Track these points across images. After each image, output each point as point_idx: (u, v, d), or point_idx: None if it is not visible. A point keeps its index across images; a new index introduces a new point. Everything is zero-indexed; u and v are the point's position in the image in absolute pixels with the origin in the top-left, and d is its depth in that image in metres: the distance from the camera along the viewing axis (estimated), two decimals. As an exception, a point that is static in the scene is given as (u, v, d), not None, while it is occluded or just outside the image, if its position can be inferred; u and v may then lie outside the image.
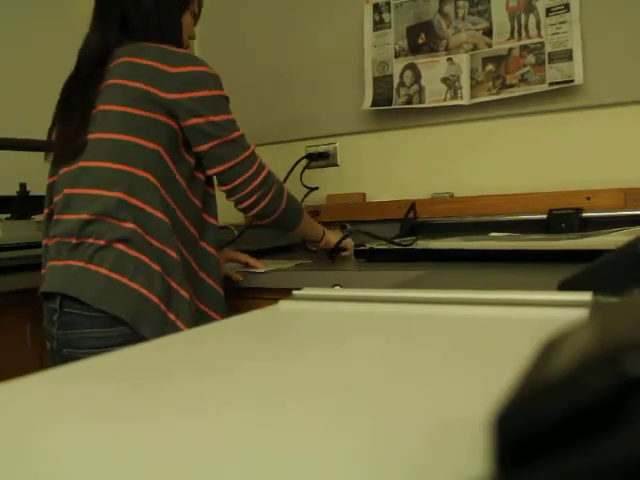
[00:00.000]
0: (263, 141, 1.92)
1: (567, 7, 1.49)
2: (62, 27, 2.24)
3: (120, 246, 1.06)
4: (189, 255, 1.16)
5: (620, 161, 1.48)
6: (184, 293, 1.10)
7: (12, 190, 1.56)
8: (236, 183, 1.18)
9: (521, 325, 0.42)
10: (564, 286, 0.53)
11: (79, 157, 1.11)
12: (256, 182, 1.19)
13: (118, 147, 1.09)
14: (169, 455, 0.23)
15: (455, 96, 1.63)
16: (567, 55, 1.49)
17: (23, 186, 1.57)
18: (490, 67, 1.59)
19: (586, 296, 0.46)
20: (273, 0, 1.92)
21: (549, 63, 1.51)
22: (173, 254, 1.10)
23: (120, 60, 1.14)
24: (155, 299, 1.06)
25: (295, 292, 0.58)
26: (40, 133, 1.63)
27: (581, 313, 0.38)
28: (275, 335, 0.46)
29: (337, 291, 0.58)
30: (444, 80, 1.64)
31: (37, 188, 1.61)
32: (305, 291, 0.58)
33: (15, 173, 1.60)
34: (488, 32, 1.59)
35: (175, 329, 1.06)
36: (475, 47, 1.61)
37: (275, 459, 0.22)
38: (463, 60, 1.62)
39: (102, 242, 1.06)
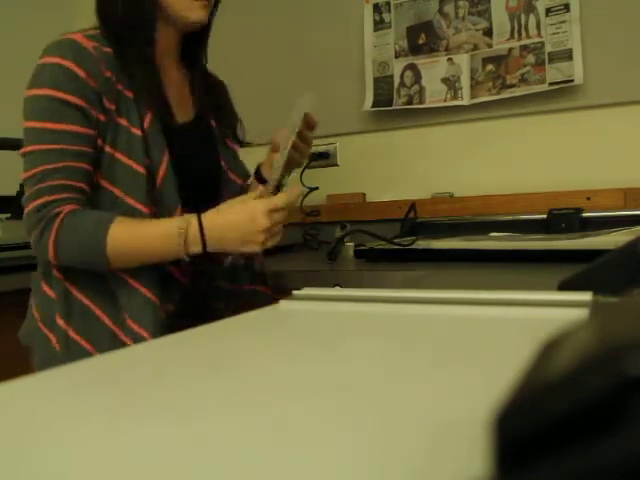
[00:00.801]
0: (263, 141, 1.92)
1: (567, 7, 1.49)
2: (62, 27, 2.24)
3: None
4: None
5: (620, 161, 1.48)
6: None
7: (12, 190, 1.56)
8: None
9: (521, 325, 0.42)
10: (564, 286, 0.53)
11: None
12: (27, 208, 0.94)
13: None
14: (169, 454, 0.23)
15: (455, 96, 1.63)
16: (567, 55, 1.49)
17: (23, 186, 1.57)
18: (490, 67, 1.59)
19: (586, 296, 0.46)
20: (273, 0, 1.91)
21: (549, 63, 1.51)
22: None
23: None
24: (37, 314, 0.99)
25: (295, 292, 0.58)
26: (40, 133, 1.63)
27: (581, 313, 0.38)
28: (275, 335, 0.46)
29: (337, 291, 0.58)
30: (444, 80, 1.64)
31: (37, 188, 1.60)
32: (305, 291, 0.58)
33: (15, 173, 1.60)
34: (488, 32, 1.59)
35: (54, 350, 0.94)
36: (475, 47, 1.61)
37: (275, 459, 0.22)
38: (463, 60, 1.62)
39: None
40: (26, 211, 0.92)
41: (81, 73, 0.91)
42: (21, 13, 2.12)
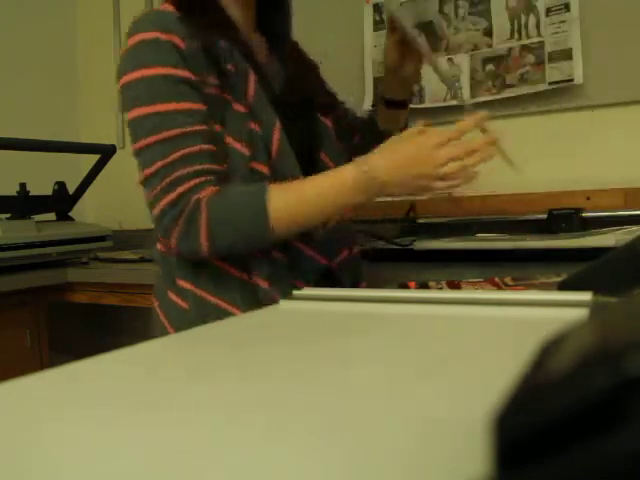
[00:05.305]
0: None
1: (567, 7, 1.49)
2: (62, 27, 2.24)
3: None
4: None
5: (620, 161, 1.48)
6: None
7: (12, 190, 1.56)
8: None
9: (521, 325, 0.42)
10: (564, 286, 0.53)
11: None
12: (157, 208, 0.82)
13: None
14: (169, 455, 0.23)
15: (455, 96, 1.63)
16: (567, 54, 1.49)
17: (23, 186, 1.57)
18: (490, 67, 1.59)
19: (586, 296, 0.46)
20: (273, 0, 1.91)
21: (549, 62, 1.51)
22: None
23: None
24: None
25: (295, 292, 0.58)
26: (40, 133, 1.63)
27: (581, 313, 0.38)
28: (275, 335, 0.46)
29: (337, 291, 0.58)
30: (444, 80, 1.64)
31: (37, 188, 1.61)
32: (305, 291, 0.58)
33: (15, 173, 1.60)
34: (488, 32, 1.59)
35: None
36: (475, 47, 1.61)
37: (274, 458, 0.22)
38: (463, 60, 1.62)
39: None
40: (156, 213, 0.79)
41: (183, 45, 0.81)
42: (21, 13, 2.12)
